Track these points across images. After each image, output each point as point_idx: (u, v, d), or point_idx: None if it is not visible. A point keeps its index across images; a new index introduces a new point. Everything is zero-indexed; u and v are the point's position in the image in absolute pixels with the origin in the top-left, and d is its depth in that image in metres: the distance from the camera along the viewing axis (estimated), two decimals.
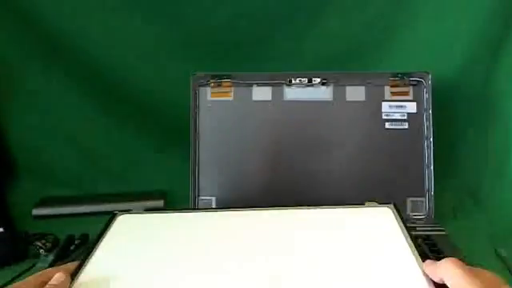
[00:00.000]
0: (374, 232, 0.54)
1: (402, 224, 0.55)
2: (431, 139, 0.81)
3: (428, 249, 0.72)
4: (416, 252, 0.48)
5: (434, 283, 0.44)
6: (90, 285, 0.48)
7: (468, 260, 0.67)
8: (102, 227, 0.58)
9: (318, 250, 0.51)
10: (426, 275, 0.45)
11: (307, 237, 0.54)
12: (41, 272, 0.47)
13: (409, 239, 0.51)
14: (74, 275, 0.48)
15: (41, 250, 0.75)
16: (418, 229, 0.78)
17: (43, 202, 0.93)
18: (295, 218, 0.59)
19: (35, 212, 0.90)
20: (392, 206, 0.59)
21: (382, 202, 0.61)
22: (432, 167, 0.81)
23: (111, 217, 0.61)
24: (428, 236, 0.75)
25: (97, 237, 0.56)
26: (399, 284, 0.44)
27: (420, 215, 0.82)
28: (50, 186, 0.97)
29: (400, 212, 0.57)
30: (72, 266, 0.50)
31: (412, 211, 0.82)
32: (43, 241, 0.76)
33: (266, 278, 0.47)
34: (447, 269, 0.42)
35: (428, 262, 0.46)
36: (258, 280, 0.46)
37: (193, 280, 0.47)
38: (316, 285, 0.45)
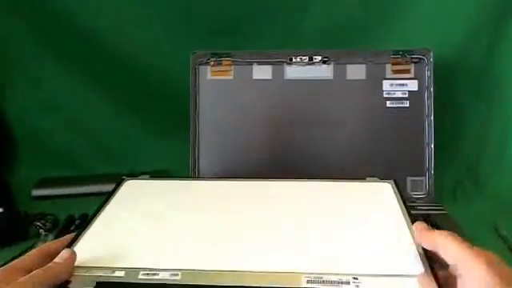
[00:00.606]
0: (373, 205, 0.55)
1: (401, 200, 0.55)
2: (432, 117, 0.81)
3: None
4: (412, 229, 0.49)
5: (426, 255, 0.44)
6: (95, 243, 0.48)
7: (468, 239, 0.68)
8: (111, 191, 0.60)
9: (314, 220, 0.52)
10: (421, 251, 0.45)
11: (306, 207, 0.55)
12: (38, 247, 0.46)
13: (407, 216, 0.52)
14: (80, 232, 0.50)
15: (41, 230, 0.75)
16: (418, 208, 0.78)
17: (43, 183, 0.93)
18: (296, 189, 0.60)
19: (35, 193, 0.90)
20: (392, 182, 0.60)
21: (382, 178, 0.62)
22: (432, 146, 0.81)
23: (119, 181, 0.62)
24: (428, 215, 0.76)
25: (104, 199, 0.58)
26: (393, 257, 0.45)
27: (420, 194, 0.82)
28: (50, 166, 0.97)
29: (400, 188, 0.58)
30: (71, 237, 0.49)
31: (412, 190, 0.82)
32: (43, 221, 0.76)
33: (263, 246, 0.47)
34: (447, 242, 0.41)
35: (419, 226, 0.46)
36: (256, 249, 0.47)
37: (196, 242, 0.48)
38: (307, 254, 0.46)
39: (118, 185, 0.62)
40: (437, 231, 0.43)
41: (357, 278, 0.42)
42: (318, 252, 0.46)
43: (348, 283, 0.41)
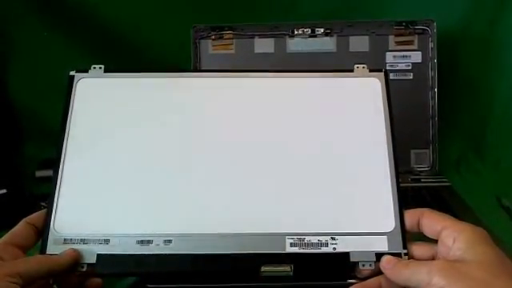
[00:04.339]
0: (354, 107, 0.52)
1: (385, 98, 0.52)
2: (435, 89, 0.80)
3: (432, 199, 0.72)
4: (389, 129, 0.51)
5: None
6: (78, 201, 0.49)
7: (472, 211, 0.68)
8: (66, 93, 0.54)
9: (292, 121, 0.51)
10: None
11: (284, 106, 0.52)
12: (22, 221, 0.47)
13: (387, 116, 0.52)
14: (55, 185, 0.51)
15: None
16: (422, 180, 0.79)
17: (46, 164, 0.92)
18: (277, 86, 0.53)
19: (39, 174, 0.90)
20: (382, 74, 0.53)
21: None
22: (436, 118, 0.80)
23: (69, 81, 0.55)
24: (432, 187, 0.76)
25: (63, 112, 0.53)
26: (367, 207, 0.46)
27: (424, 167, 0.81)
28: (54, 148, 0.97)
29: (388, 81, 0.53)
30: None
31: (416, 163, 0.81)
32: (47, 201, 0.76)
33: (238, 148, 0.49)
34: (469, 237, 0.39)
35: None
36: (232, 152, 0.49)
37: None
38: (276, 158, 0.48)
39: (71, 87, 0.54)
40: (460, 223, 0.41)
41: (334, 238, 0.44)
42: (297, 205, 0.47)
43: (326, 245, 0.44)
